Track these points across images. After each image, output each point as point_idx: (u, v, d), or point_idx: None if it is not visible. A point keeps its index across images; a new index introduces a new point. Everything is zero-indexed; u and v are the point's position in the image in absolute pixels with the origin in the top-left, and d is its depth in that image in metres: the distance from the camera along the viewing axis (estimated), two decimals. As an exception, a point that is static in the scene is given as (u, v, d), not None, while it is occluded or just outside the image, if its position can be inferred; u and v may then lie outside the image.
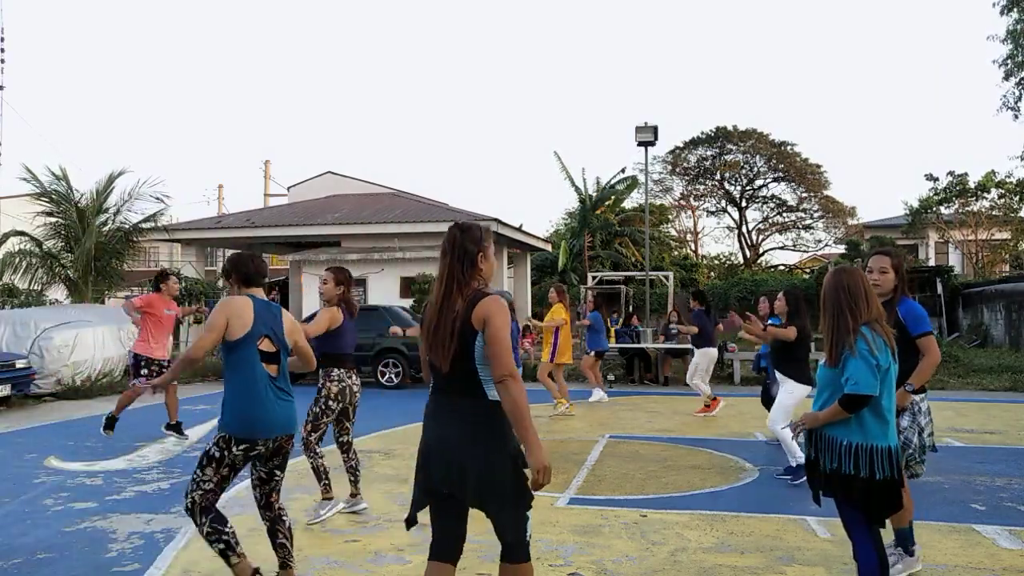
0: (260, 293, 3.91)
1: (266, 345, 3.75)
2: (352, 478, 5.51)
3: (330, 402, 5.24)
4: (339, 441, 5.47)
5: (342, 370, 5.31)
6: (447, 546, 3.02)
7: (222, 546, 3.63)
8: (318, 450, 5.26)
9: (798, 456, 6.18)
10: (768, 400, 7.73)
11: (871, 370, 3.24)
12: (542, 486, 2.83)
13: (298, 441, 5.21)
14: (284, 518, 3.95)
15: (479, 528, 5.06)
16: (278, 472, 3.90)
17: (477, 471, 2.86)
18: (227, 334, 3.67)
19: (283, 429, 3.76)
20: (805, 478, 6.04)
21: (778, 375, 6.78)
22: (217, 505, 3.72)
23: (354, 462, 5.50)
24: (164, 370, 8.28)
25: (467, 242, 3.00)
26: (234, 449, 3.65)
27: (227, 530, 3.64)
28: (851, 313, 3.35)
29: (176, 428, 8.43)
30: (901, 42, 77.00)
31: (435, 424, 3.00)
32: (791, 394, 6.50)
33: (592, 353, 12.03)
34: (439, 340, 2.91)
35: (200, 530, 3.65)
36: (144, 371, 8.25)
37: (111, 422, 8.17)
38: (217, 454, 3.66)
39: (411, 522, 3.07)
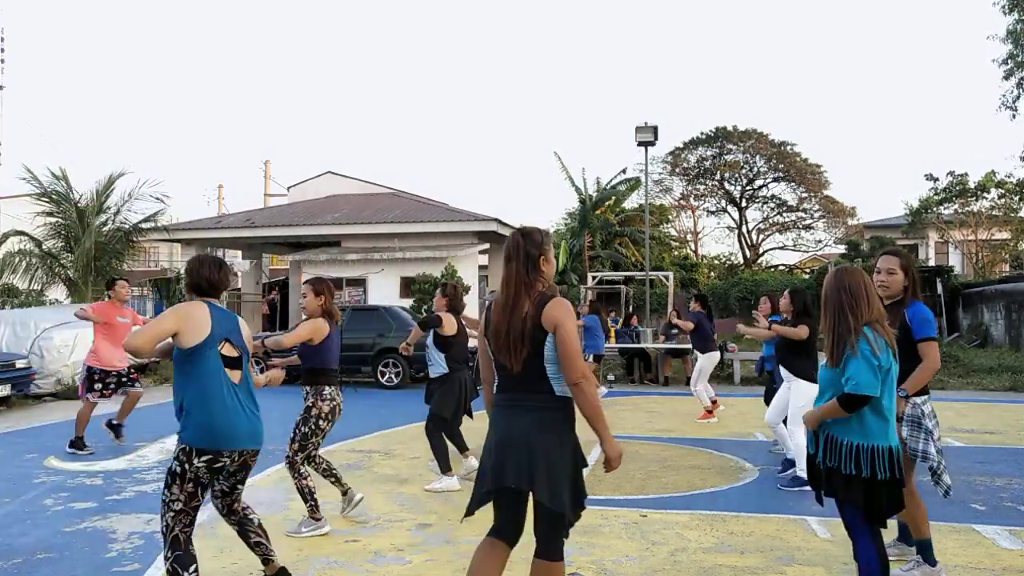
0: (215, 303, 3.65)
1: (228, 350, 3.53)
2: (333, 479, 5.31)
3: (321, 422, 5.07)
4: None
5: (333, 388, 5.14)
6: (508, 528, 3.16)
7: None
8: (303, 470, 5.03)
9: (793, 453, 6.15)
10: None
11: (872, 370, 3.24)
12: (614, 469, 3.14)
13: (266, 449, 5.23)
14: (251, 516, 3.80)
15: (478, 529, 5.06)
16: (240, 486, 3.72)
17: (544, 463, 2.99)
18: (181, 341, 3.41)
19: (250, 443, 3.53)
20: (797, 486, 6.07)
21: (785, 373, 6.62)
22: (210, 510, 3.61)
23: (324, 464, 5.28)
24: (123, 380, 8.10)
25: (529, 246, 3.14)
26: (195, 461, 3.39)
27: (186, 575, 3.39)
28: (852, 313, 3.34)
29: (116, 429, 8.17)
30: (901, 42, 77.07)
31: (503, 420, 3.12)
32: (801, 394, 6.34)
33: (591, 357, 12.00)
34: (511, 342, 3.04)
35: (164, 560, 3.44)
36: (98, 385, 7.95)
37: (78, 442, 7.83)
38: (178, 468, 3.41)
39: (470, 514, 3.19)
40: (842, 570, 4.30)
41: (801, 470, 6.05)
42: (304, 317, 5.32)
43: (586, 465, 3.19)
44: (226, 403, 3.46)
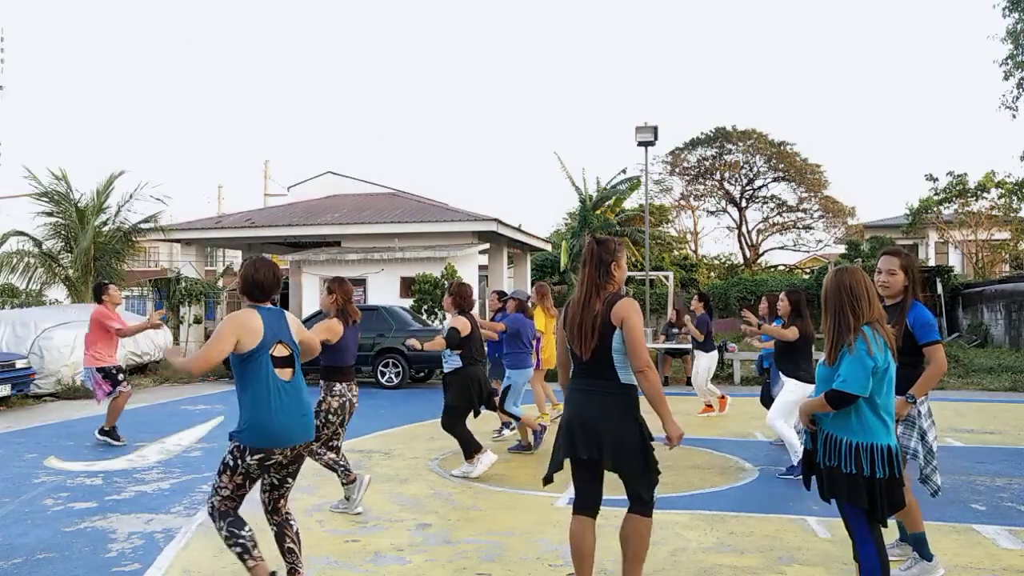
0: (264, 306, 3.82)
1: (279, 350, 3.71)
2: (342, 469, 5.45)
3: (330, 416, 5.35)
4: (329, 445, 5.48)
5: (344, 384, 5.37)
6: (588, 502, 3.59)
7: (239, 549, 3.63)
8: (319, 450, 5.32)
9: (799, 450, 6.18)
10: (768, 400, 7.75)
11: (865, 372, 3.23)
12: (676, 446, 3.53)
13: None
14: (292, 522, 3.91)
15: (478, 529, 5.08)
16: (290, 480, 3.87)
17: (612, 438, 3.43)
18: (237, 349, 3.61)
19: (302, 437, 3.73)
20: (797, 474, 6.12)
21: (780, 375, 6.80)
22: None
23: (344, 462, 5.48)
24: (121, 376, 8.42)
25: (603, 253, 3.58)
26: (248, 459, 3.61)
27: (243, 534, 3.64)
28: (852, 312, 3.34)
29: (111, 434, 8.29)
30: (901, 42, 77.06)
31: (578, 400, 3.56)
32: (792, 392, 6.49)
33: None
34: (583, 334, 3.49)
35: (220, 533, 3.68)
36: (120, 376, 8.27)
37: (111, 432, 8.11)
38: (231, 462, 3.65)
39: (547, 480, 3.68)
40: (842, 570, 4.30)
41: (796, 454, 6.26)
42: (324, 313, 5.62)
43: (652, 439, 3.56)
44: (277, 404, 3.64)
